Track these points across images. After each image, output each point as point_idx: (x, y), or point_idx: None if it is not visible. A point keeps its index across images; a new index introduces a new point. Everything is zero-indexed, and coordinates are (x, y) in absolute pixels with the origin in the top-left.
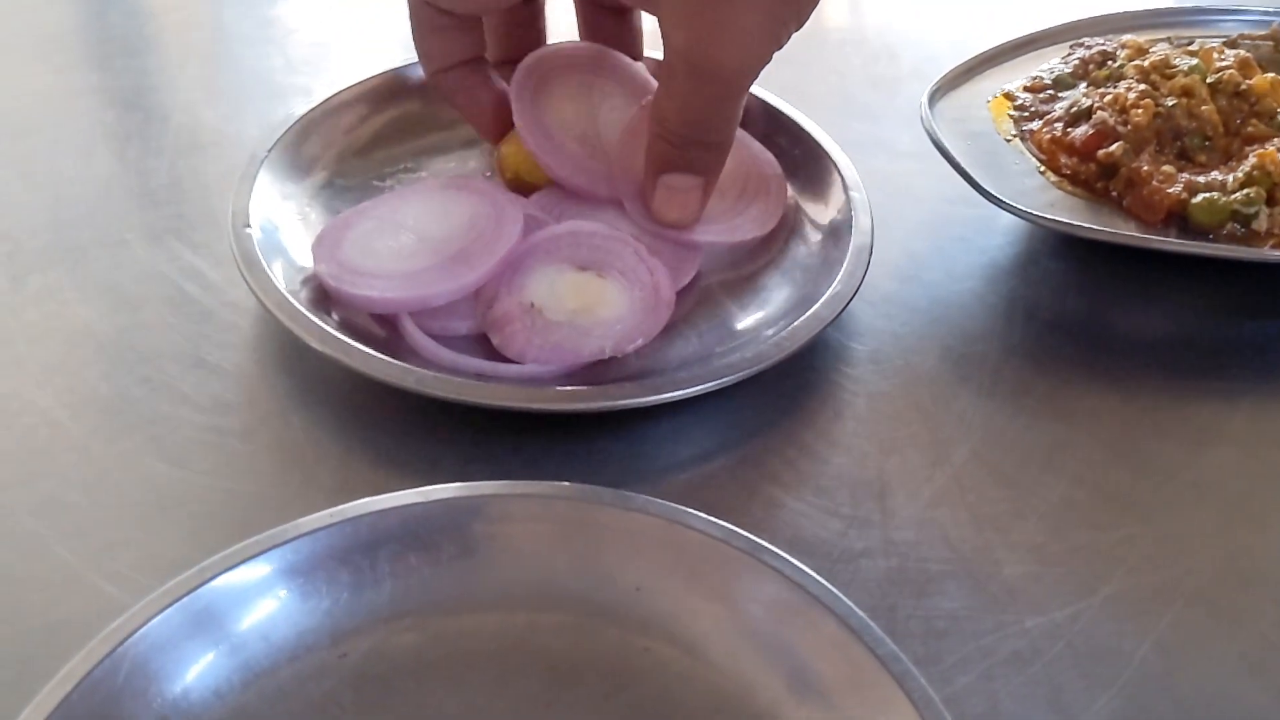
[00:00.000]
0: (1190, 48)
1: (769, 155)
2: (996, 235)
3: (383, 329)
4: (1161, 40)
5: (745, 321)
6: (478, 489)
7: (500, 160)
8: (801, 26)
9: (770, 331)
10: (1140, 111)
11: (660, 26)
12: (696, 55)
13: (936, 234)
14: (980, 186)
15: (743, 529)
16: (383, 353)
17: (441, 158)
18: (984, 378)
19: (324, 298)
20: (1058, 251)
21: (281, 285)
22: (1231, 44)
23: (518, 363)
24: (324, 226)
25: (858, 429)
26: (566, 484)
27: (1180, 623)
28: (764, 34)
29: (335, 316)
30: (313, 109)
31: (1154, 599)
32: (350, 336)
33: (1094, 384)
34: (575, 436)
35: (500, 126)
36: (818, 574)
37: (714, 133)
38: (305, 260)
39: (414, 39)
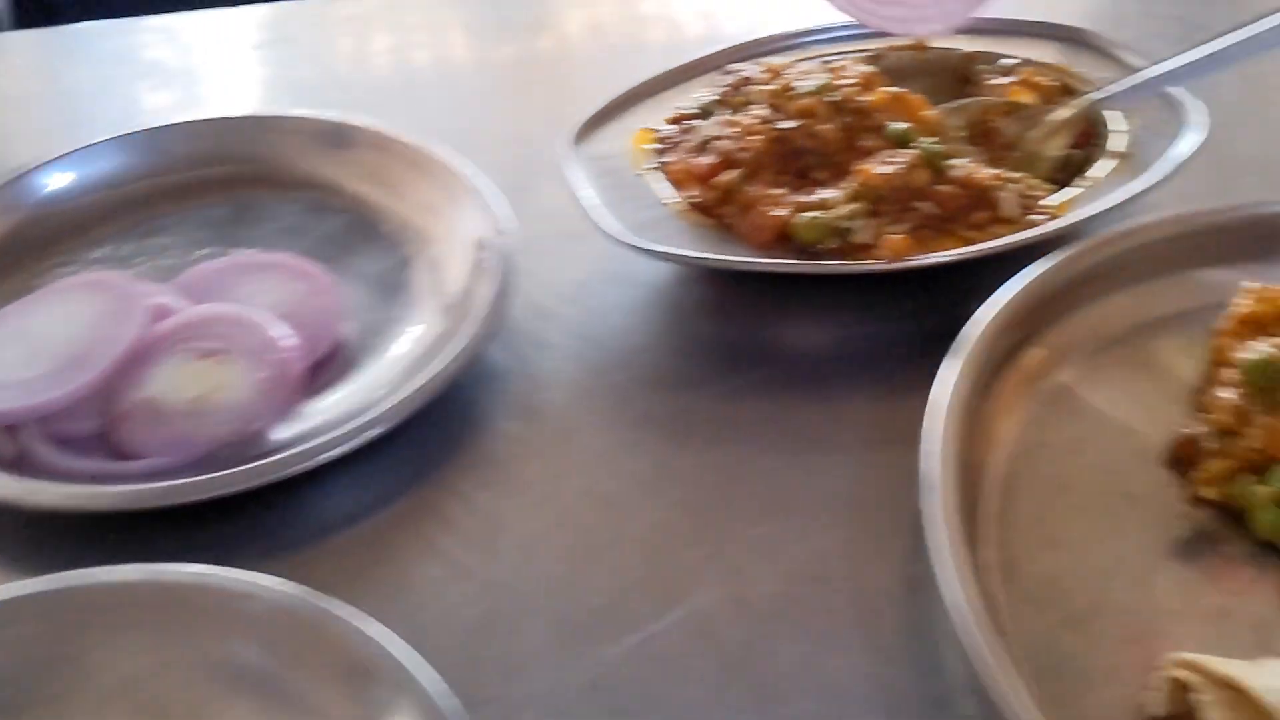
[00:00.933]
0: (834, 64)
1: None
2: (639, 267)
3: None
4: (810, 59)
5: (385, 372)
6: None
7: None
8: None
9: (404, 385)
10: (757, 137)
11: None
12: None
13: (582, 269)
14: (598, 223)
15: (350, 590)
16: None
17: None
18: (609, 409)
19: None
20: (691, 280)
21: None
22: (876, 58)
23: (142, 457)
24: None
25: (483, 474)
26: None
27: (751, 637)
28: None
29: None
30: None
31: (727, 615)
32: None
33: (709, 404)
34: (206, 520)
35: None
36: (409, 625)
37: None
38: None
39: None
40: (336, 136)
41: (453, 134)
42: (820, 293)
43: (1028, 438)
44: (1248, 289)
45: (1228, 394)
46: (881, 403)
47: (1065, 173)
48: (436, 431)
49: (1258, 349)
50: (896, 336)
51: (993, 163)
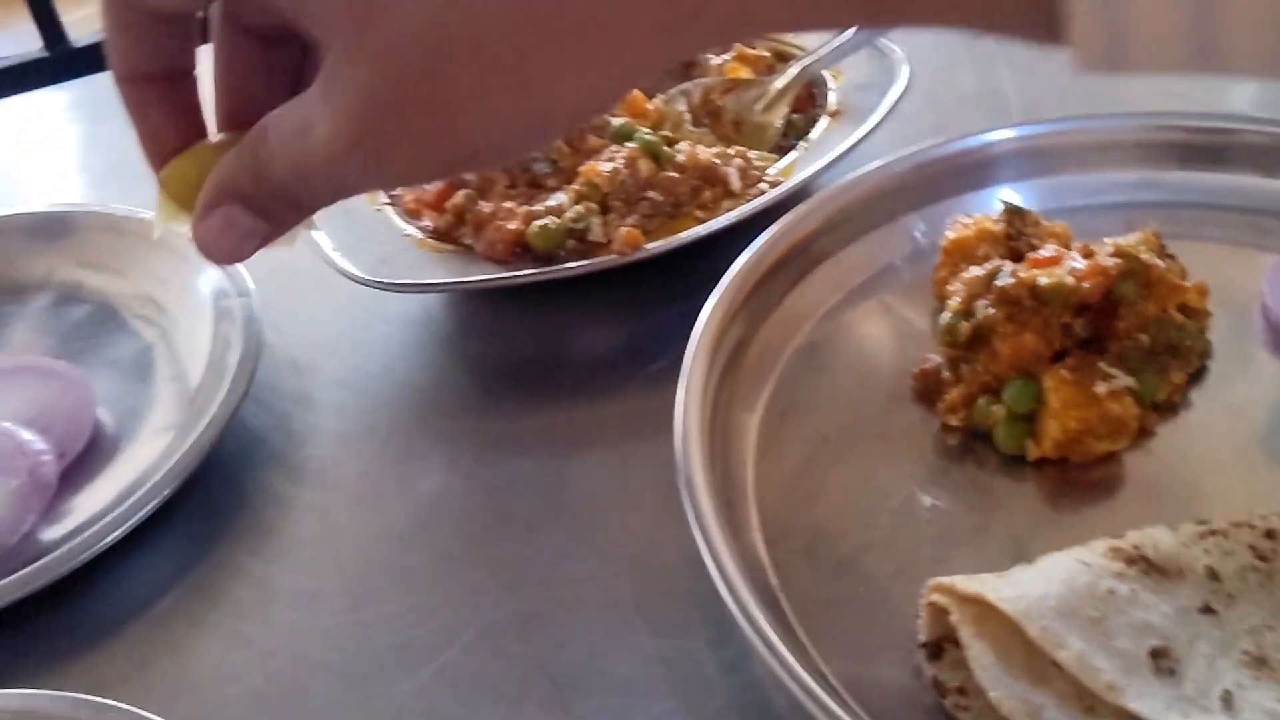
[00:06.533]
0: None
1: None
2: (391, 304)
3: None
4: None
5: (145, 455)
6: None
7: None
8: None
9: (162, 465)
10: None
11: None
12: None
13: (334, 316)
14: (338, 266)
15: (133, 687)
16: None
17: None
18: (374, 452)
19: None
20: (444, 307)
21: None
22: None
23: None
24: None
25: (254, 542)
26: None
27: (541, 645)
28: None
29: None
30: None
31: (516, 629)
32: None
33: (477, 426)
34: None
35: (160, 158)
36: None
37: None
38: None
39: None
40: (54, 226)
41: None
42: (572, 296)
43: (780, 400)
44: (954, 221)
45: (954, 323)
46: (641, 394)
47: (790, 138)
48: (205, 507)
49: (967, 278)
50: (650, 326)
51: (722, 140)
